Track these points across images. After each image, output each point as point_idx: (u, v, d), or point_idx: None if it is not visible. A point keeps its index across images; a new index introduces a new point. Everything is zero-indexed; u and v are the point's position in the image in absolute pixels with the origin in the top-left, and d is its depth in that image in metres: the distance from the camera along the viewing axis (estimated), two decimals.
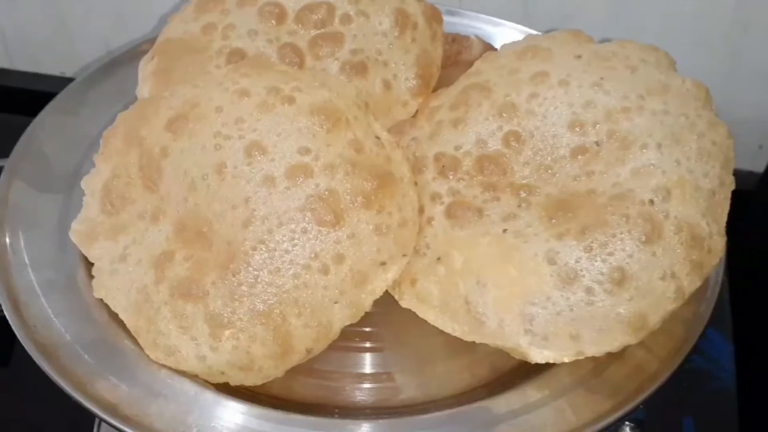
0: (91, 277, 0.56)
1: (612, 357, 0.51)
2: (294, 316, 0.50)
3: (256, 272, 0.50)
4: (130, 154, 0.56)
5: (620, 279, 0.49)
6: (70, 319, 0.54)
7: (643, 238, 0.49)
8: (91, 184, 0.57)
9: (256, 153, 0.52)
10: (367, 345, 0.57)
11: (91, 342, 0.53)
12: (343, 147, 0.52)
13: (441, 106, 0.59)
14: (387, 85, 0.62)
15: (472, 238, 0.53)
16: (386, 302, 0.54)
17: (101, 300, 0.55)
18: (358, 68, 0.61)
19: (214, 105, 0.54)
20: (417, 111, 0.62)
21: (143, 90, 0.64)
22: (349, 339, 0.56)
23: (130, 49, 0.73)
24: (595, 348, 0.50)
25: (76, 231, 0.57)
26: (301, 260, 0.50)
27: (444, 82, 0.64)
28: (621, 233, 0.49)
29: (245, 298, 0.50)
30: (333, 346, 0.53)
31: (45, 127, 0.67)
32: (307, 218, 0.50)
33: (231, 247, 0.51)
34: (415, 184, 0.55)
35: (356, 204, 0.51)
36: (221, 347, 0.50)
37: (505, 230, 0.52)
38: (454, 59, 0.70)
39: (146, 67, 0.64)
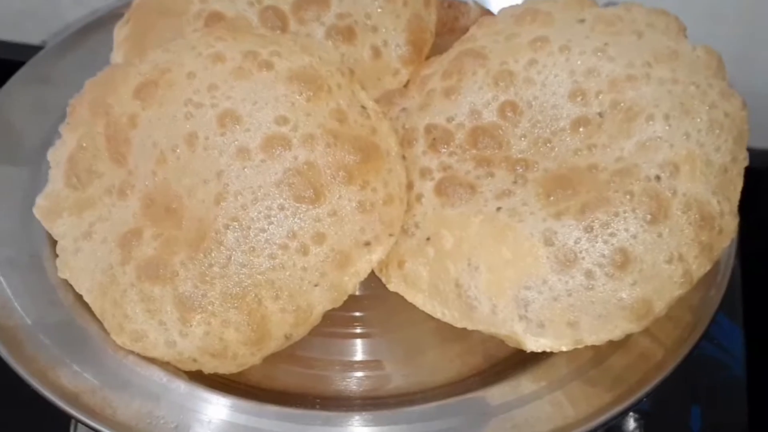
0: (56, 255, 0.53)
1: (613, 346, 0.48)
2: (270, 299, 0.48)
3: (228, 252, 0.47)
4: (97, 124, 0.53)
5: (623, 262, 0.46)
6: (32, 301, 0.52)
7: (649, 218, 0.46)
8: (57, 155, 0.54)
9: (230, 122, 0.49)
10: (355, 331, 0.55)
11: (54, 326, 0.50)
12: (325, 117, 0.50)
13: (433, 75, 0.56)
14: (376, 52, 0.59)
15: (463, 216, 0.50)
16: (375, 285, 0.52)
17: (67, 281, 0.52)
18: (345, 33, 0.58)
19: (186, 71, 0.51)
20: (408, 80, 0.59)
21: (117, 56, 0.60)
22: (335, 324, 0.53)
23: (107, 13, 0.70)
24: (595, 336, 0.47)
25: (41, 206, 0.54)
26: (277, 239, 0.48)
27: (439, 50, 0.60)
28: (624, 212, 0.47)
29: (217, 280, 0.47)
30: (318, 332, 0.50)
31: (13, 96, 0.63)
32: (284, 194, 0.48)
33: (202, 224, 0.48)
34: (404, 158, 0.53)
35: (338, 179, 0.49)
36: (192, 332, 0.48)
37: (499, 208, 0.49)
38: (450, 26, 0.66)
39: (120, 32, 0.61)
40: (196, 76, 0.51)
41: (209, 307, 0.47)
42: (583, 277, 0.46)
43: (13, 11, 0.96)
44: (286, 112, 0.49)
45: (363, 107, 0.52)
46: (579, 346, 0.47)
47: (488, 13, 0.67)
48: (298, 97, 0.50)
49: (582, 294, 0.46)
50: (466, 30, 0.60)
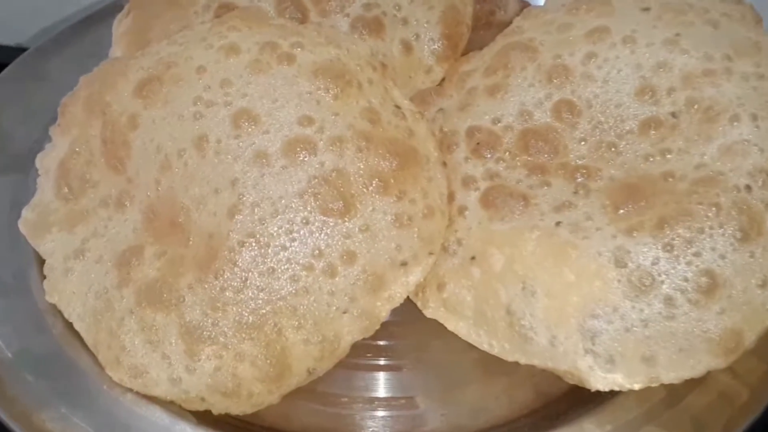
0: (44, 277, 0.50)
1: (689, 384, 0.44)
2: (292, 329, 0.45)
3: (244, 274, 0.44)
4: (92, 125, 0.51)
5: (710, 286, 0.42)
6: (15, 329, 0.48)
7: (739, 235, 0.43)
8: (47, 161, 0.52)
9: (246, 123, 0.46)
10: (382, 362, 0.52)
11: (40, 359, 0.47)
12: (355, 117, 0.47)
13: (474, 71, 0.54)
14: (407, 47, 0.56)
15: (516, 232, 0.46)
16: (406, 310, 0.48)
17: (55, 306, 0.49)
18: (372, 26, 0.55)
19: (195, 64, 0.49)
20: (443, 78, 0.57)
21: (116, 52, 0.58)
22: (360, 355, 0.50)
23: (105, 6, 0.67)
24: (674, 373, 0.43)
25: (27, 220, 0.51)
26: (301, 259, 0.44)
27: (473, 47, 0.58)
28: (710, 228, 0.43)
29: (230, 307, 0.44)
30: (340, 364, 0.47)
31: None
32: (308, 206, 0.45)
33: (213, 241, 0.45)
34: (444, 164, 0.49)
35: (371, 188, 0.46)
36: (200, 368, 0.45)
37: (558, 223, 0.46)
38: (486, 20, 0.63)
39: (120, 25, 0.59)
40: (207, 71, 0.48)
41: (221, 339, 0.44)
42: (662, 304, 0.43)
43: (16, 15, 0.93)
44: (311, 112, 0.46)
45: (397, 106, 0.49)
46: (653, 385, 0.43)
47: (528, 6, 0.62)
48: (324, 94, 0.47)
49: (660, 324, 0.43)
50: (503, 25, 0.58)
